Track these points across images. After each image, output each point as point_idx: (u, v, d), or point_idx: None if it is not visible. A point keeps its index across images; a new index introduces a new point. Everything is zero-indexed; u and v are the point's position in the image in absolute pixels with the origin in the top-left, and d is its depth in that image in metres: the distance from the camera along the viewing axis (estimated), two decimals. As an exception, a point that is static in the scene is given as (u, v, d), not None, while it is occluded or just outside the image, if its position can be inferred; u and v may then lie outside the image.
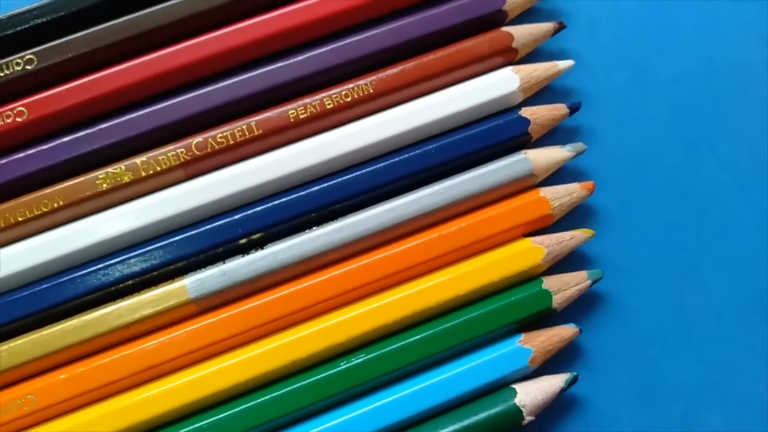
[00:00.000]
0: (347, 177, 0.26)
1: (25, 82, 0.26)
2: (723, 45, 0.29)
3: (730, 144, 0.28)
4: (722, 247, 0.28)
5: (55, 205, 0.25)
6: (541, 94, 0.28)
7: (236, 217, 0.26)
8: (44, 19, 0.26)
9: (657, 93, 0.28)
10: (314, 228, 0.26)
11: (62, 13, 0.26)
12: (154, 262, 0.25)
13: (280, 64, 0.26)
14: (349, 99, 0.26)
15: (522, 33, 0.27)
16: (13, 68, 0.26)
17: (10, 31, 0.26)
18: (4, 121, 0.25)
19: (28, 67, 0.26)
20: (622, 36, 0.29)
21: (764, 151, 0.28)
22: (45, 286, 0.25)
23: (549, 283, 0.26)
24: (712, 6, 0.29)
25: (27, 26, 0.26)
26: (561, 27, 0.27)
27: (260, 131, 0.26)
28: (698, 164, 0.28)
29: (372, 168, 0.26)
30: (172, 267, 0.25)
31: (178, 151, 0.26)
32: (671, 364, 0.27)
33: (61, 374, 0.25)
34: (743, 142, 0.28)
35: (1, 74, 0.25)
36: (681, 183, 0.28)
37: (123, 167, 0.26)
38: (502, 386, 0.25)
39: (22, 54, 0.26)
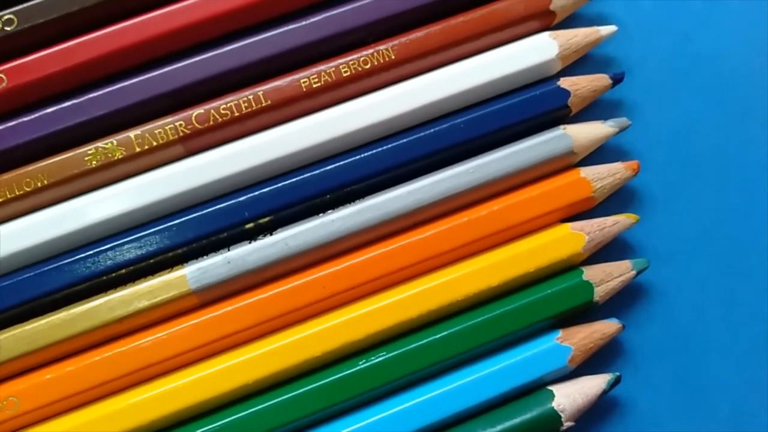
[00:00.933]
0: (366, 154, 0.26)
1: (4, 45, 0.25)
2: None
3: None
4: None
5: (39, 184, 0.25)
6: (579, 63, 0.27)
7: (242, 198, 0.25)
8: None
9: (705, 64, 0.28)
10: (329, 211, 0.26)
11: None
12: (150, 248, 0.25)
13: (290, 27, 0.26)
14: (368, 66, 0.26)
15: None
16: None
17: None
18: None
19: (7, 29, 0.25)
20: (666, 2, 0.28)
21: None
22: (28, 275, 0.25)
23: (590, 273, 0.25)
24: None
25: None
26: None
27: (269, 102, 0.25)
28: (749, 143, 0.28)
29: (393, 144, 0.26)
30: (170, 254, 0.25)
31: (177, 123, 0.25)
32: (718, 363, 0.27)
33: (47, 374, 0.24)
34: None
35: None
36: (730, 163, 0.28)
37: (114, 142, 0.25)
38: (537, 388, 0.25)
39: (1, 14, 0.25)
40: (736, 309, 0.27)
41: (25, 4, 0.25)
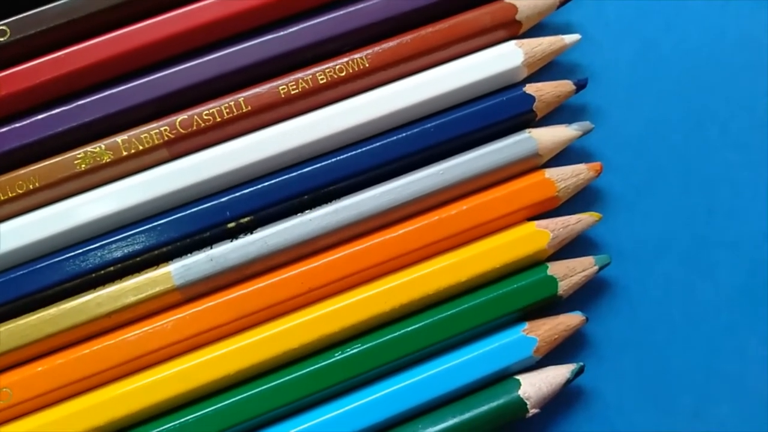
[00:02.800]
0: (341, 157, 0.26)
1: None
2: (733, 19, 0.29)
3: (742, 123, 0.28)
4: (733, 231, 0.28)
5: (31, 187, 0.25)
6: (545, 70, 0.28)
7: (224, 199, 0.26)
8: None
9: (666, 70, 0.29)
10: (307, 211, 0.26)
11: None
12: (136, 247, 0.25)
13: (270, 36, 0.26)
14: (343, 74, 0.26)
15: (526, 5, 0.26)
16: None
17: None
18: None
19: (1, 39, 0.25)
20: (630, 10, 0.29)
21: None
22: (21, 272, 0.25)
23: (554, 268, 0.26)
24: None
25: None
26: (567, 0, 0.27)
27: (249, 108, 0.26)
28: (709, 144, 0.28)
29: (368, 147, 0.26)
30: (155, 252, 0.25)
31: (162, 129, 0.25)
32: (680, 354, 0.27)
33: (39, 366, 0.25)
34: (755, 121, 0.28)
35: None
36: (691, 164, 0.28)
37: (103, 146, 0.25)
38: (505, 377, 0.25)
39: None
40: (695, 303, 0.27)
41: (17, 16, 0.25)
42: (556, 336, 0.25)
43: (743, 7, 0.29)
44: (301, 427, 0.24)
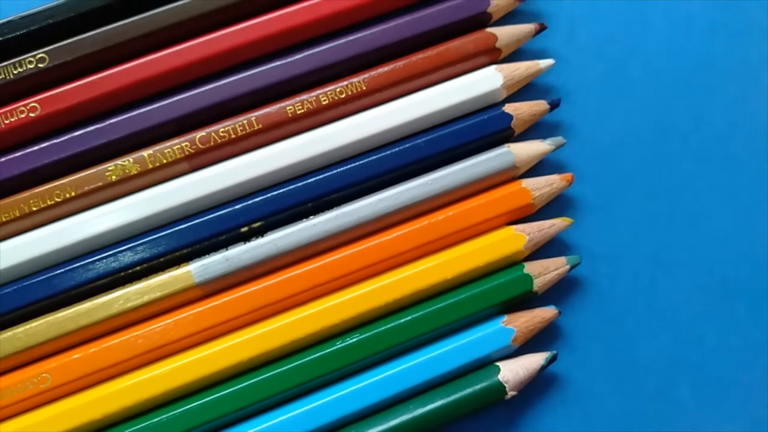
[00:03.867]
0: (341, 169, 0.26)
1: (38, 79, 0.26)
2: (693, 43, 0.29)
3: (701, 136, 0.28)
4: (692, 235, 0.28)
5: (67, 196, 0.26)
6: (523, 91, 0.28)
7: (238, 206, 0.26)
8: (55, 20, 0.26)
9: (632, 89, 0.29)
10: (311, 217, 0.26)
11: (72, 14, 0.26)
12: (160, 249, 0.25)
13: (278, 63, 0.26)
14: (343, 96, 0.26)
15: (505, 34, 0.27)
16: (27, 66, 0.26)
17: (24, 31, 0.26)
18: (18, 116, 0.26)
19: (41, 65, 0.26)
20: (600, 36, 0.29)
21: (732, 144, 0.29)
22: (59, 271, 0.25)
23: (530, 267, 0.26)
24: (684, 7, 0.29)
25: (39, 26, 0.26)
26: (542, 28, 0.27)
27: (260, 126, 0.26)
28: (670, 157, 0.28)
29: (365, 161, 0.26)
30: (177, 254, 0.26)
31: (183, 144, 0.26)
32: (644, 343, 0.27)
33: (74, 354, 0.25)
34: (712, 134, 0.29)
35: (16, 72, 0.26)
36: (655, 174, 0.28)
37: (131, 160, 0.26)
38: (486, 364, 0.26)
39: (35, 53, 0.26)
40: (657, 298, 0.28)
41: (56, 45, 0.26)
42: (532, 327, 0.26)
43: (703, 31, 0.29)
44: (309, 407, 0.25)
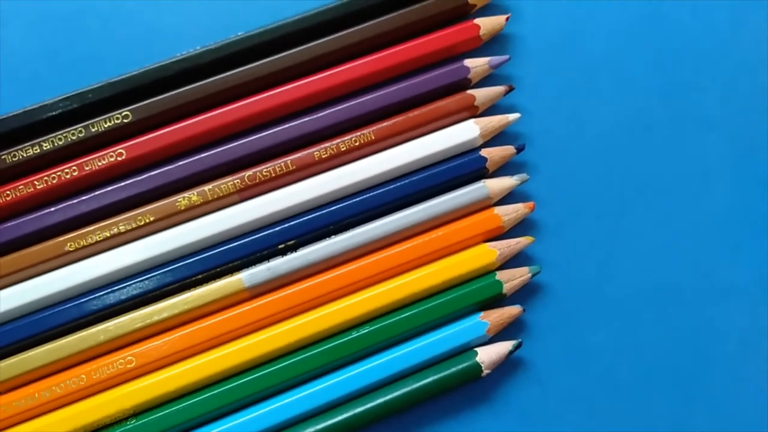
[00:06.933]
0: (356, 199, 0.29)
1: (123, 131, 0.29)
2: (637, 95, 0.31)
3: (643, 171, 0.31)
4: (631, 249, 0.31)
5: (147, 221, 0.29)
6: (496, 138, 0.31)
7: (277, 229, 0.29)
8: (138, 84, 0.29)
9: (585, 137, 0.32)
10: (332, 237, 0.29)
11: (152, 80, 0.29)
12: (217, 261, 0.29)
13: (307, 119, 0.30)
14: (357, 143, 0.29)
15: (482, 94, 0.30)
16: (114, 121, 0.29)
17: (112, 93, 0.29)
18: (107, 159, 0.29)
19: (125, 120, 0.29)
20: (559, 92, 0.32)
21: (664, 174, 0.31)
22: (143, 278, 0.29)
23: (500, 275, 0.29)
24: (628, 67, 0.31)
25: (126, 89, 0.29)
26: (511, 89, 0.30)
27: (294, 167, 0.29)
28: (616, 189, 0.31)
29: (374, 193, 0.29)
30: (230, 265, 0.29)
31: (235, 181, 0.29)
32: (591, 334, 0.30)
33: (156, 341, 0.29)
34: (654, 170, 0.31)
35: (106, 125, 0.29)
36: (601, 203, 0.31)
37: (195, 193, 0.29)
38: (467, 350, 0.29)
39: (121, 110, 0.29)
40: (604, 299, 0.30)
41: (138, 104, 0.29)
42: (503, 321, 0.29)
43: (647, 92, 0.31)
44: (331, 382, 0.28)
